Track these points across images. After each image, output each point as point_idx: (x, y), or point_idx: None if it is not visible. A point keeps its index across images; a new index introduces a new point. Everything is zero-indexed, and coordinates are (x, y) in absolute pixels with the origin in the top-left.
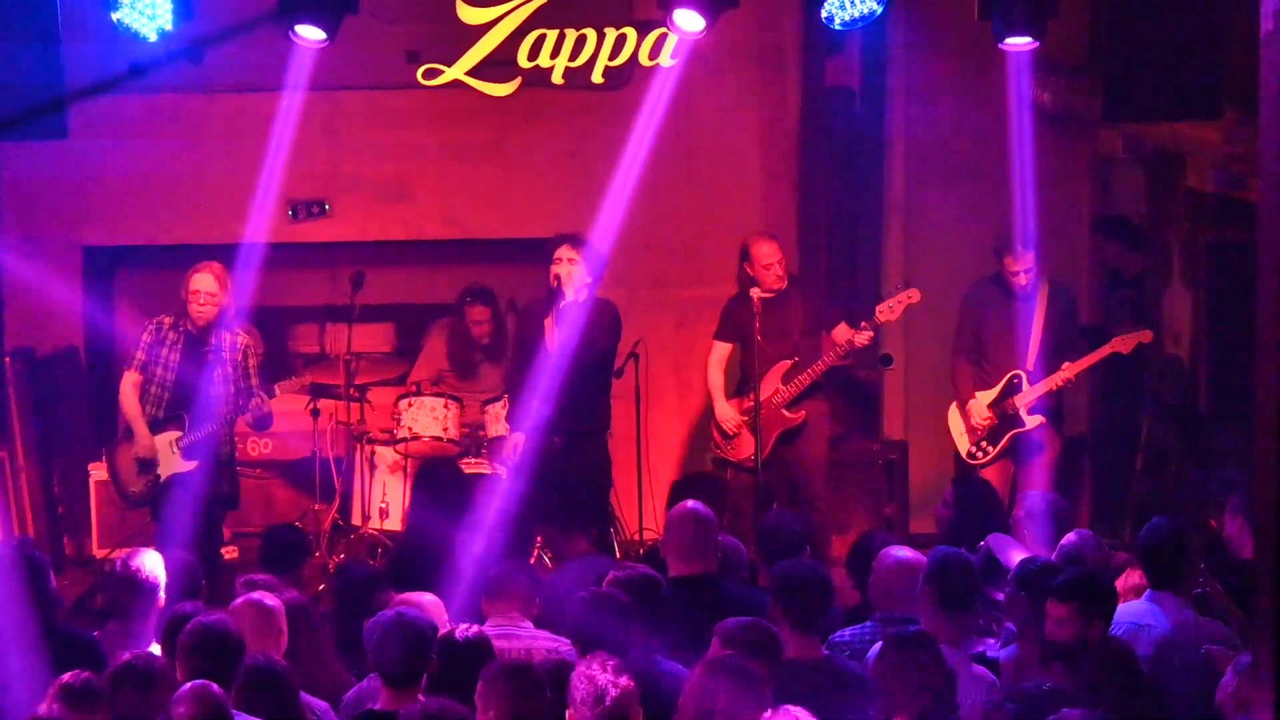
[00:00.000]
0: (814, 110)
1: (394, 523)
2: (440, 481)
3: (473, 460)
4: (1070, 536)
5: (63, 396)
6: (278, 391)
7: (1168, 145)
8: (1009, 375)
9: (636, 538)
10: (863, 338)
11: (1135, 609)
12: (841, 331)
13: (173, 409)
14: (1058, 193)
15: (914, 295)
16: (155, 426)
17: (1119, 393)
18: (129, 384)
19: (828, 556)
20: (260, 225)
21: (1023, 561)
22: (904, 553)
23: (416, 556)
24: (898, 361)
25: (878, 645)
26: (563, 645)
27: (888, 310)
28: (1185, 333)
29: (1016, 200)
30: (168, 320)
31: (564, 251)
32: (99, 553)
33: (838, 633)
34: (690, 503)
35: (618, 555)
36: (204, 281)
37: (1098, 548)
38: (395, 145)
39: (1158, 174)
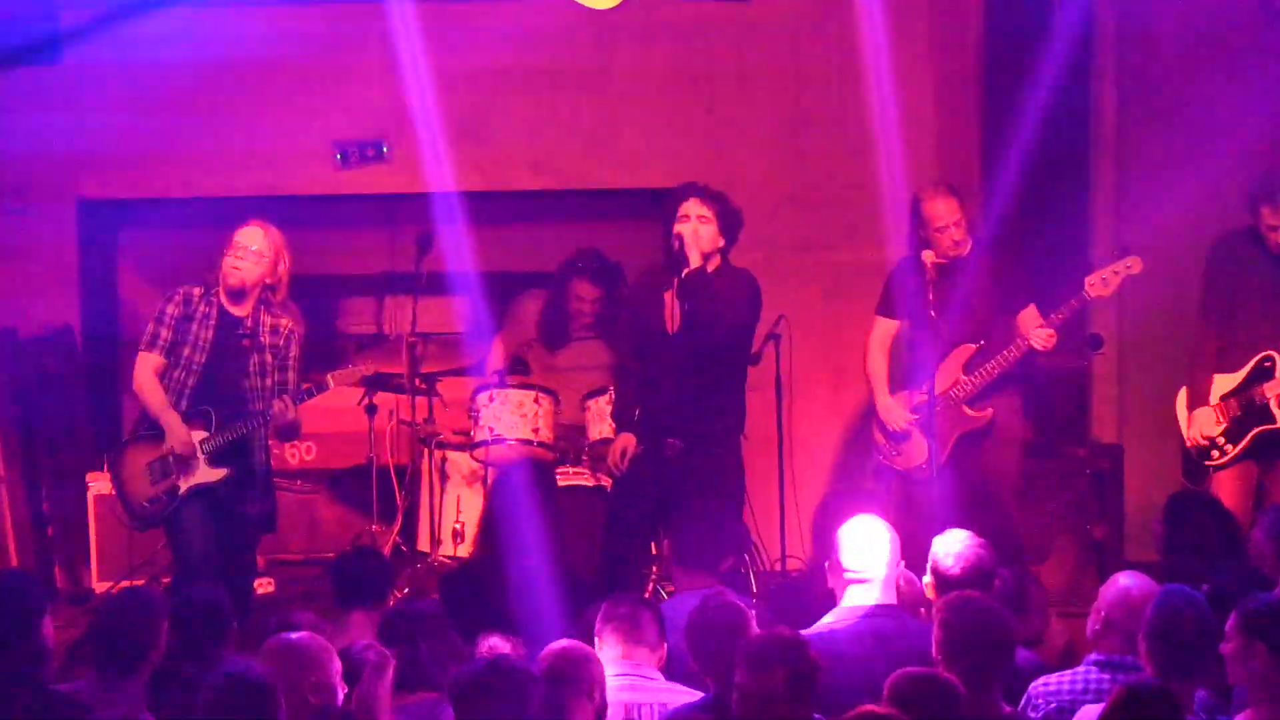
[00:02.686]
0: (1002, 26)
1: (470, 548)
2: (528, 494)
3: (571, 469)
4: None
5: (53, 388)
6: (331, 383)
7: None
8: (1259, 357)
9: (778, 567)
10: (1041, 338)
11: None
12: (1028, 318)
13: (197, 402)
14: None
15: (1134, 264)
16: None
17: None
18: (148, 368)
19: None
20: (302, 173)
21: (1248, 601)
22: (1133, 579)
23: (489, 588)
24: (1109, 344)
25: (1091, 709)
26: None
27: (1100, 283)
28: None
29: None
30: (197, 291)
31: (690, 206)
32: (99, 586)
33: (1042, 679)
34: (867, 518)
35: (753, 589)
36: (251, 236)
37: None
38: (471, 72)
39: None
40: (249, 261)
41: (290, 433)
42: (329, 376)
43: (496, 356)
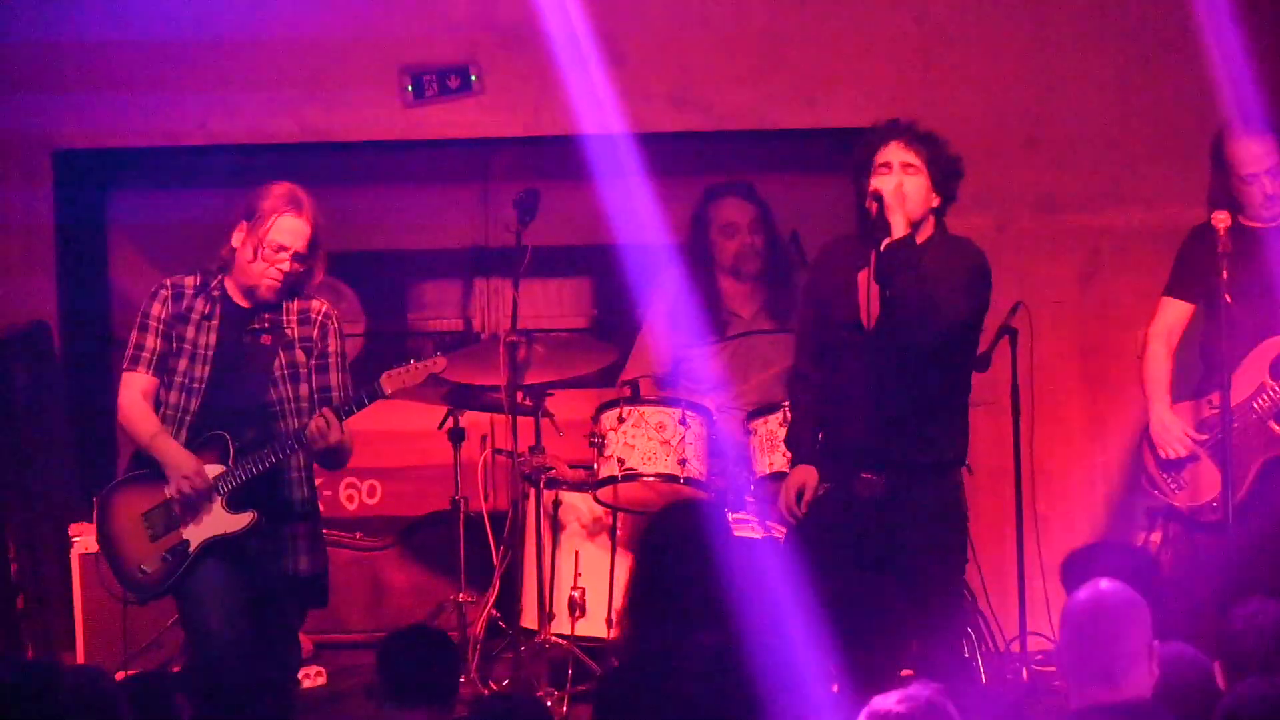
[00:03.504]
0: None
1: (594, 624)
2: (682, 548)
3: (730, 514)
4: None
5: (25, 410)
6: (385, 388)
7: None
8: None
9: (1016, 648)
10: None
11: None
12: None
13: (205, 426)
14: None
15: None
16: None
17: None
18: (135, 391)
19: None
20: (359, 112)
21: None
22: None
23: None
24: None
25: None
26: None
27: None
28: None
29: None
30: (191, 282)
31: (892, 152)
32: None
33: None
34: (1101, 585)
35: (982, 678)
36: (295, 231)
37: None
38: None
39: None
40: (292, 268)
41: (335, 459)
42: (382, 379)
43: (635, 361)
